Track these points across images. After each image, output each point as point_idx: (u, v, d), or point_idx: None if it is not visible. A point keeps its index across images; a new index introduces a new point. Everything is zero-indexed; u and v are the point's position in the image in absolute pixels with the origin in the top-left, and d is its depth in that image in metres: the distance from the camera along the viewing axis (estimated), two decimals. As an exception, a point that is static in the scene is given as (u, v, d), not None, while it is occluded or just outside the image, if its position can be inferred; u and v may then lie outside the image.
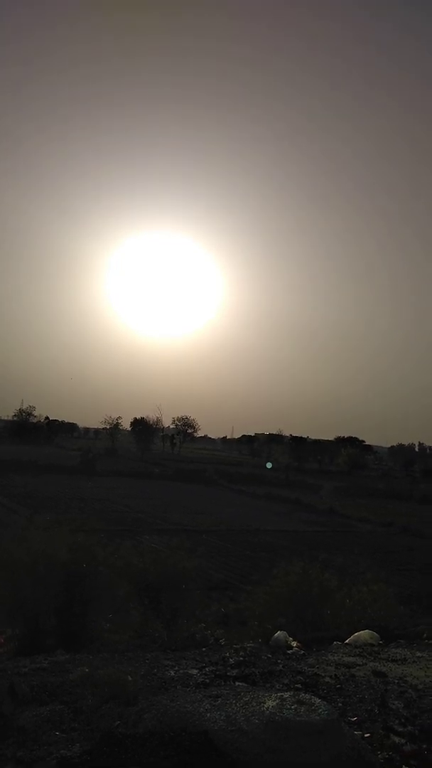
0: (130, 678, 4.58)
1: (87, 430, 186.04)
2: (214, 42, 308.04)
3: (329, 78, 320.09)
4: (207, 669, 5.28)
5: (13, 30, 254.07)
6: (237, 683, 4.86)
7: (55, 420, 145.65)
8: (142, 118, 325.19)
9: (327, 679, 5.13)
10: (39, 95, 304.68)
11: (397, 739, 3.89)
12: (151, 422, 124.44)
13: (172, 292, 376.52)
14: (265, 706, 3.47)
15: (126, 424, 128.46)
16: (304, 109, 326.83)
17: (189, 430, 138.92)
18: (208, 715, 3.48)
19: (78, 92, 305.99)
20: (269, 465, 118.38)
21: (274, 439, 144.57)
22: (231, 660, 5.66)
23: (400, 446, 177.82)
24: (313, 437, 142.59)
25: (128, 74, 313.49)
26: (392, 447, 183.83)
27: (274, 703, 3.48)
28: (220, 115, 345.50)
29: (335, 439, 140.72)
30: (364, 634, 7.39)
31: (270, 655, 6.02)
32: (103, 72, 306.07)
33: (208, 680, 4.92)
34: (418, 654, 6.28)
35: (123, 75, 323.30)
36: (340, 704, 4.49)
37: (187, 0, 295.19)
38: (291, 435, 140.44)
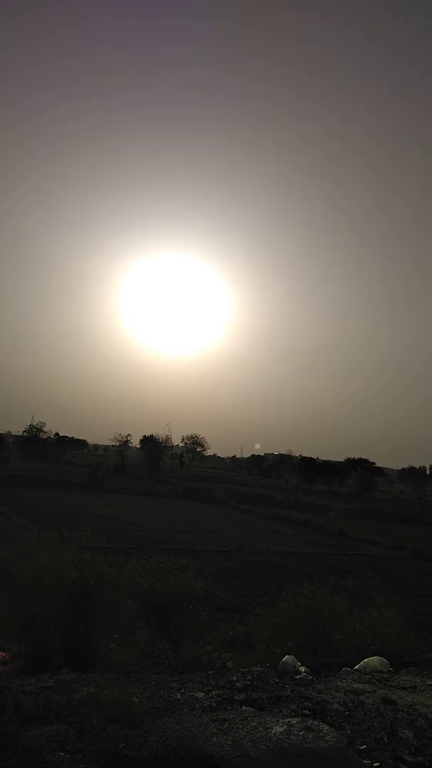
0: (135, 699, 4.53)
1: (97, 446, 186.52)
2: (225, 73, 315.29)
3: (334, 103, 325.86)
4: (214, 692, 5.20)
5: (58, 51, 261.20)
6: (244, 707, 4.79)
7: (65, 436, 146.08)
8: (154, 143, 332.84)
9: (335, 706, 5.03)
10: (58, 120, 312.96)
11: (407, 770, 3.80)
12: (160, 440, 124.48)
13: (182, 312, 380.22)
14: (273, 731, 3.42)
15: (135, 442, 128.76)
16: (309, 135, 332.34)
17: (198, 449, 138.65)
18: (215, 739, 3.44)
19: (101, 121, 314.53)
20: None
21: (284, 459, 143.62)
22: (238, 684, 5.58)
23: (411, 469, 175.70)
24: (322, 458, 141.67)
25: (143, 105, 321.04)
26: (403, 469, 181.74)
27: (282, 729, 3.43)
28: (231, 145, 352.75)
29: (345, 460, 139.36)
30: (373, 661, 7.24)
31: (278, 680, 5.92)
32: (124, 100, 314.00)
33: (214, 704, 4.86)
34: (429, 682, 6.14)
35: (141, 102, 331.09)
36: (348, 732, 4.40)
37: (194, 12, 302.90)
38: (300, 455, 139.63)
